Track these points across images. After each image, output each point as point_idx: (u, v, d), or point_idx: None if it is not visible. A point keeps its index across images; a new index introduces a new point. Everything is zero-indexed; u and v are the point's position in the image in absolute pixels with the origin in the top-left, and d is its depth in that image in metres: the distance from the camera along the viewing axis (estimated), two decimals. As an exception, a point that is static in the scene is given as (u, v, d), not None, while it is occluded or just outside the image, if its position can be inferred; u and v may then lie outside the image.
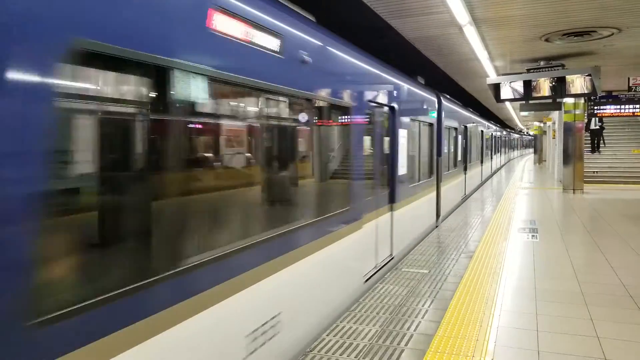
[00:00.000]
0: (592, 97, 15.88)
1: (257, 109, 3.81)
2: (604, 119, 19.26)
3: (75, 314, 2.03)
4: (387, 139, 6.85)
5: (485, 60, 11.14)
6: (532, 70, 10.99)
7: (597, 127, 19.43)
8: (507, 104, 22.45)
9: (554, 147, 24.30)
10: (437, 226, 10.14)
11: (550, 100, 13.10)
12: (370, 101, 5.96)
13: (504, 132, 36.62)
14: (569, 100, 15.71)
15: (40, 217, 1.90)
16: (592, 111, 17.33)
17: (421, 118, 8.74)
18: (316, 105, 4.52)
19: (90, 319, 2.10)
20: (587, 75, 10.08)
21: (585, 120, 18.87)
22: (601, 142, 19.73)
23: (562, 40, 9.34)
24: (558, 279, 6.08)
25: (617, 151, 19.32)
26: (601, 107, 17.37)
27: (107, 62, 2.28)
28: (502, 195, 15.33)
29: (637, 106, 16.52)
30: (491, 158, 24.85)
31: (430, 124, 9.67)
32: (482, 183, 20.22)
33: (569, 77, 10.27)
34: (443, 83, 14.94)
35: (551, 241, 8.36)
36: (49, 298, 1.97)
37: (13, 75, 1.76)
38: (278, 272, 3.65)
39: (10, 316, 1.80)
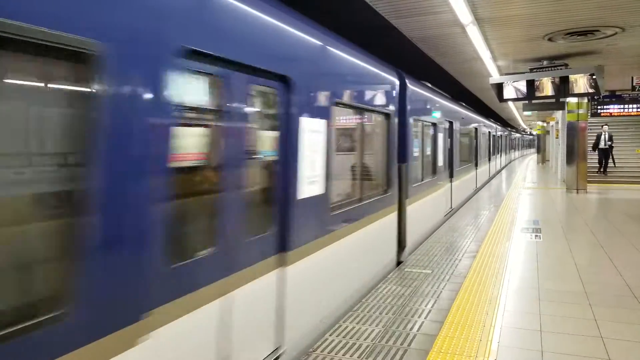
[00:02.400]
0: (595, 97, 15.87)
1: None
2: (614, 137, 18.20)
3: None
4: (449, 141, 11.13)
5: (488, 60, 11.11)
6: (535, 70, 10.96)
7: (607, 146, 18.20)
8: (510, 103, 22.47)
9: (557, 147, 24.24)
10: (475, 193, 15.06)
11: (553, 100, 13.08)
12: (449, 120, 10.87)
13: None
14: (572, 100, 15.66)
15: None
16: (595, 110, 17.30)
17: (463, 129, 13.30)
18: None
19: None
20: (590, 75, 10.05)
21: (594, 138, 18.13)
22: (610, 162, 18.47)
23: (565, 39, 9.31)
24: (561, 279, 6.06)
25: (621, 151, 19.23)
26: (605, 107, 17.35)
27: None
28: (505, 195, 15.30)
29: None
30: None
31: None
32: None
33: (572, 77, 10.24)
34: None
35: (555, 241, 8.34)
36: None
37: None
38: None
39: None
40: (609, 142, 18.25)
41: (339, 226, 4.77)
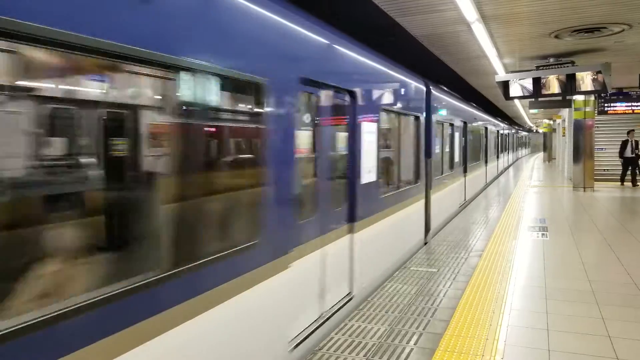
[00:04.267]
0: (602, 94, 15.75)
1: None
2: None
3: None
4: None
5: (493, 58, 11.06)
6: (541, 68, 10.90)
7: (634, 154, 16.83)
8: (517, 101, 22.32)
9: (563, 145, 24.11)
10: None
11: (559, 98, 13.01)
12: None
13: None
14: (579, 98, 15.56)
15: None
16: (602, 108, 17.15)
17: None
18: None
19: None
20: (597, 72, 9.98)
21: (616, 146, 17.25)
22: (637, 173, 16.97)
23: (572, 36, 9.25)
24: (568, 278, 6.03)
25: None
26: (612, 104, 17.21)
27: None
28: (511, 194, 15.23)
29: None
30: None
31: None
32: None
33: (578, 74, 10.17)
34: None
35: (561, 239, 8.29)
36: None
37: None
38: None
39: None
40: (637, 151, 16.83)
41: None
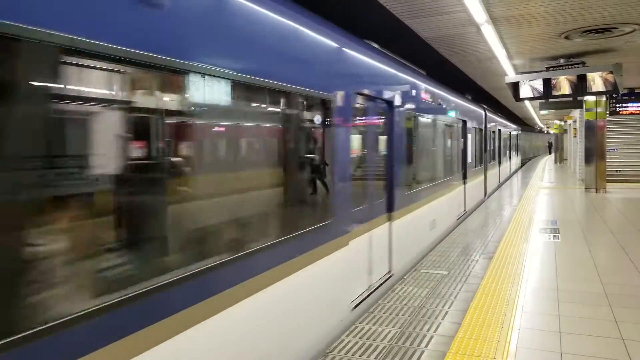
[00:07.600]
0: (614, 95, 15.62)
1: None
2: None
3: None
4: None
5: (503, 59, 11.02)
6: (551, 68, 10.84)
7: None
8: (527, 102, 22.18)
9: (575, 146, 23.90)
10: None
11: (570, 99, 12.92)
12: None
13: None
14: (590, 98, 15.44)
15: None
16: (613, 109, 17.00)
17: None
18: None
19: None
20: (608, 73, 9.91)
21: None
22: None
23: (582, 37, 9.20)
24: (581, 280, 5.98)
25: (641, 149, 18.86)
26: (623, 105, 17.07)
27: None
28: (523, 195, 15.14)
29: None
30: None
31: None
32: None
33: (589, 75, 10.10)
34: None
35: (573, 241, 8.23)
36: None
37: None
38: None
39: None
40: None
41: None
